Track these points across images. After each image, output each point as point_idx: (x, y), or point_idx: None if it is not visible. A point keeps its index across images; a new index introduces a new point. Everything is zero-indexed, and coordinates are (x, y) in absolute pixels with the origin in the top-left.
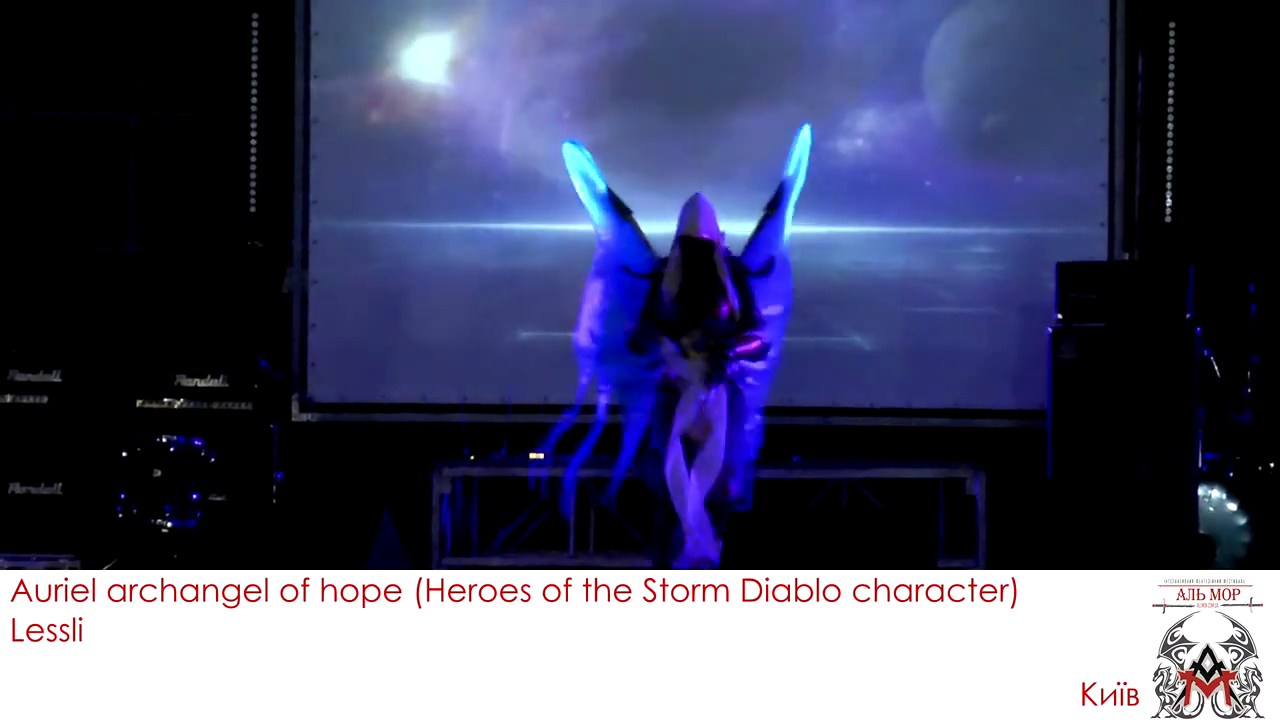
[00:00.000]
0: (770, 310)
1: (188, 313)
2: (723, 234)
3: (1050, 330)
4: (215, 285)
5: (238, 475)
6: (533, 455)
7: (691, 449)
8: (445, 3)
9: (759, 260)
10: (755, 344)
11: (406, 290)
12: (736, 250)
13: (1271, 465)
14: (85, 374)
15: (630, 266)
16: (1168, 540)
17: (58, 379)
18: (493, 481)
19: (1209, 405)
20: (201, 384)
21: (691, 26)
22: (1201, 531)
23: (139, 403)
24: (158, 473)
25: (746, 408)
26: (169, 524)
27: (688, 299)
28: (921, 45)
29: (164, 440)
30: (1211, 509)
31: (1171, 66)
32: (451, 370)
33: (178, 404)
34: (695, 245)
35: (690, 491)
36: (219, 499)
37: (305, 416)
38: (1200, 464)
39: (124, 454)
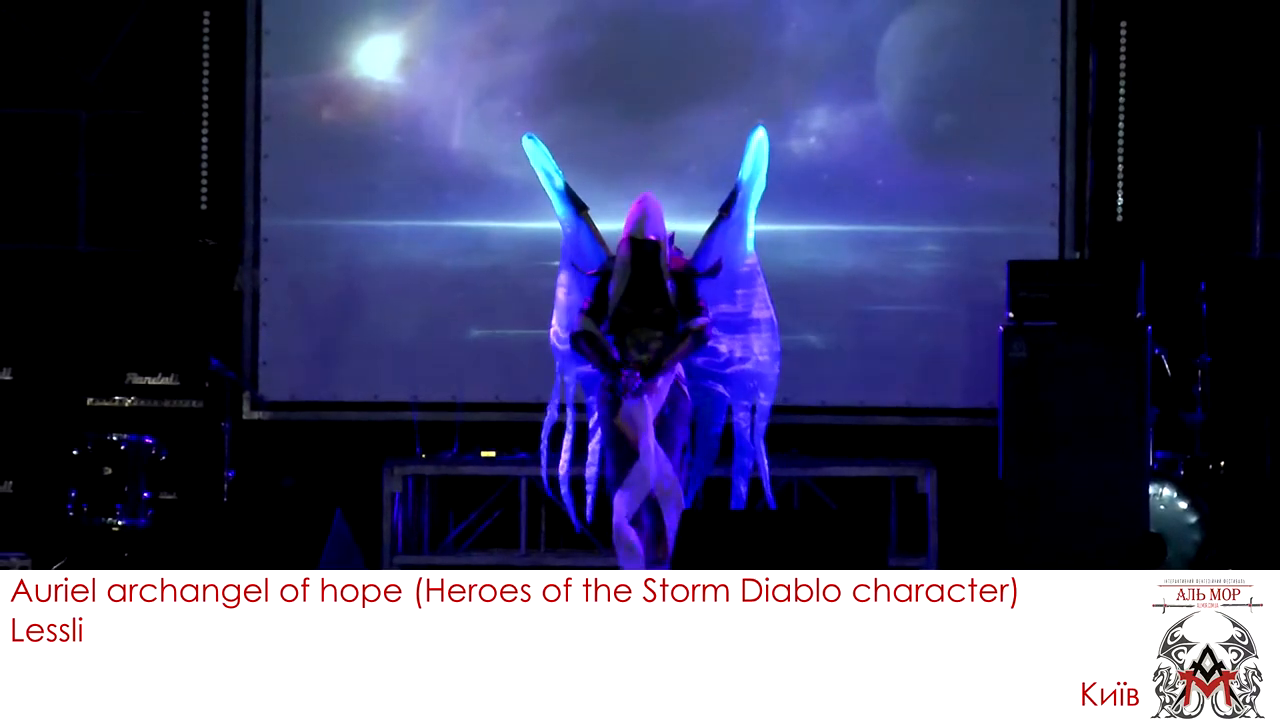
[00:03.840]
0: (758, 313)
1: (139, 311)
2: (672, 234)
3: (1001, 329)
4: (166, 283)
5: (189, 473)
6: (484, 453)
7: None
8: (397, 1)
9: (708, 262)
10: (689, 341)
11: (358, 289)
12: (688, 251)
13: (1222, 464)
14: (36, 372)
15: (578, 264)
16: (1119, 539)
17: (9, 377)
18: (444, 480)
19: (1160, 404)
20: (153, 382)
21: (643, 25)
22: (1152, 530)
23: (90, 401)
24: (109, 471)
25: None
26: (120, 522)
27: (633, 300)
28: (873, 45)
29: (115, 438)
30: (1162, 508)
31: (1123, 66)
32: (403, 369)
33: (129, 402)
34: (642, 246)
35: (615, 502)
36: (170, 497)
37: (257, 415)
38: (1151, 463)
39: (75, 452)
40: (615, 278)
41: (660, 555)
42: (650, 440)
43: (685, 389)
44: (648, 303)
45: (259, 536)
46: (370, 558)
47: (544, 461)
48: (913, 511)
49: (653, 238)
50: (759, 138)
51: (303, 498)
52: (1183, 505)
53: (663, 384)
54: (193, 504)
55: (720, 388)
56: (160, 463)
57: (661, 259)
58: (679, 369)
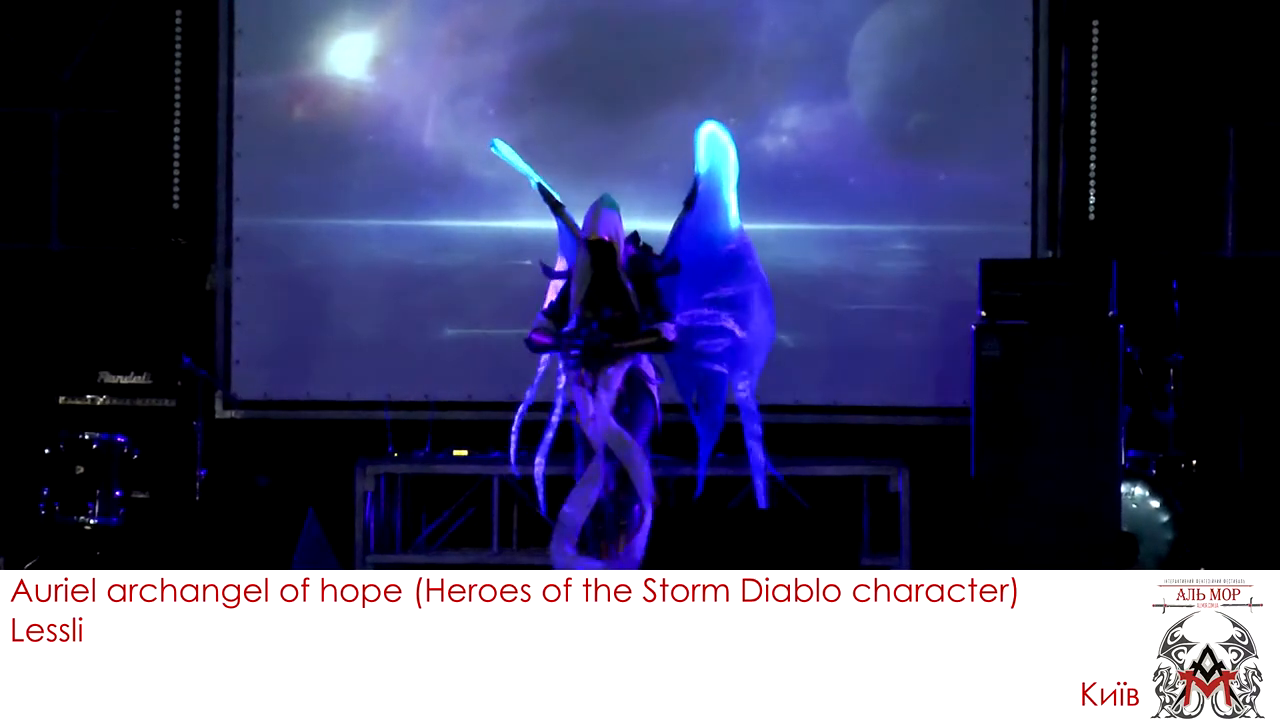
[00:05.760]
0: (749, 284)
1: (111, 309)
2: (634, 233)
3: (974, 328)
4: (139, 282)
5: (161, 472)
6: (457, 452)
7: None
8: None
9: (669, 257)
10: (651, 339)
11: (330, 287)
12: (658, 248)
13: (1195, 463)
14: (8, 370)
15: (545, 266)
16: (1091, 537)
17: None
18: (417, 479)
19: (1133, 403)
20: (125, 381)
21: (616, 24)
22: (1125, 529)
23: (62, 399)
24: (80, 470)
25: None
26: (92, 521)
27: (594, 304)
28: (846, 43)
29: (87, 437)
30: (1135, 506)
31: (1095, 65)
32: (376, 367)
33: (101, 401)
34: (599, 247)
35: (565, 509)
36: (142, 496)
37: (229, 414)
38: (1123, 461)
39: (46, 451)
40: (575, 281)
41: (623, 545)
42: (599, 434)
43: (654, 390)
44: (605, 307)
45: (231, 536)
46: (343, 557)
47: (531, 459)
48: (885, 510)
49: (605, 237)
50: (706, 132)
51: (275, 497)
52: (1155, 504)
53: (618, 371)
54: (165, 503)
55: (719, 367)
56: (132, 461)
57: (617, 260)
58: (649, 370)
